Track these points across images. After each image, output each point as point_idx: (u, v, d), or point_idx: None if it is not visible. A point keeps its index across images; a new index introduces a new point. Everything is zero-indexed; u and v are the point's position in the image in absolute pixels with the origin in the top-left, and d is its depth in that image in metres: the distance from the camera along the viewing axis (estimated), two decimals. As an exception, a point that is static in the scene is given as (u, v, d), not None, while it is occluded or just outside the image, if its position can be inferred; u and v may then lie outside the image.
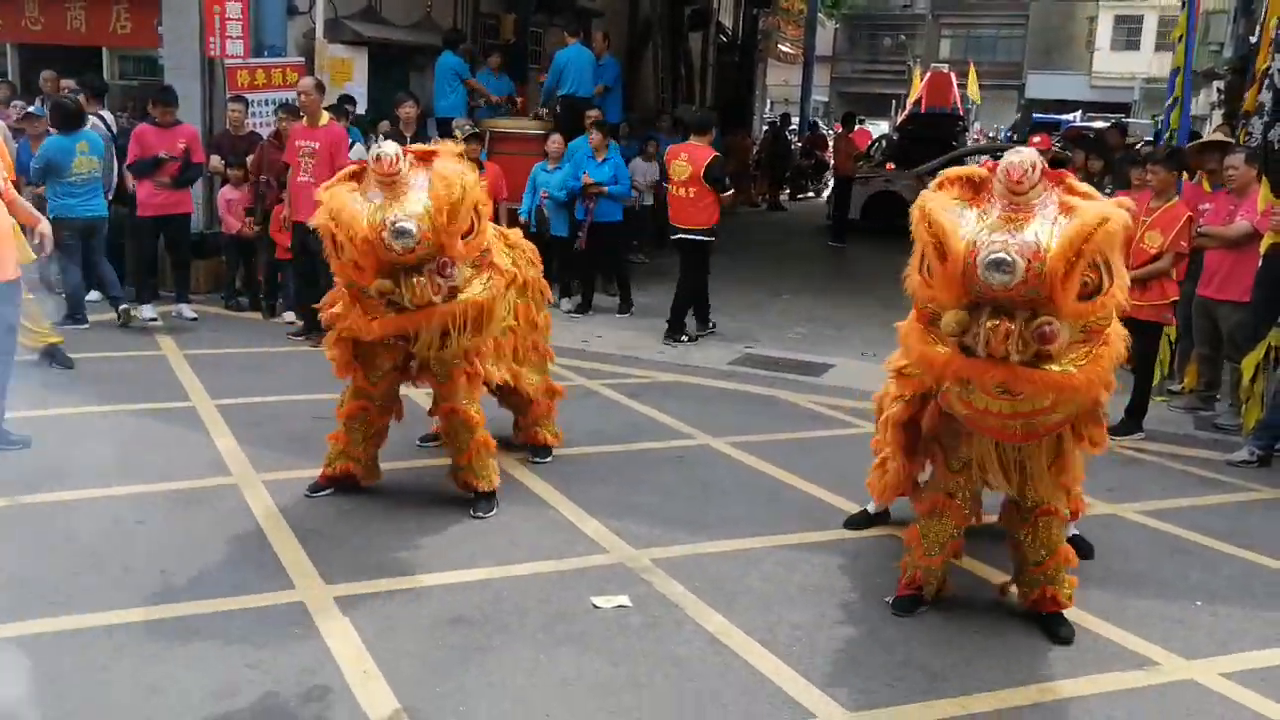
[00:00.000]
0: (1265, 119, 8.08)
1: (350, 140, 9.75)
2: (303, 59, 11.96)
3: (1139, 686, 4.48)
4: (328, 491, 6.06)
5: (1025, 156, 4.12)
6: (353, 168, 5.49)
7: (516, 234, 6.72)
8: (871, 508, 6.07)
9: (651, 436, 7.43)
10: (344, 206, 5.13)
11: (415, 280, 5.16)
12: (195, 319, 10.08)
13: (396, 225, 4.99)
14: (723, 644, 4.61)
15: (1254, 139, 8.30)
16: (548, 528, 5.78)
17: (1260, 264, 7.72)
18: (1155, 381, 8.66)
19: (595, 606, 4.87)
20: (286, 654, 4.34)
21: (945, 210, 4.19)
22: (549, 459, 6.78)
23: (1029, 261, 3.97)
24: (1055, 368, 4.14)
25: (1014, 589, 5.08)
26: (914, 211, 4.27)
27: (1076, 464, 4.85)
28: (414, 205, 5.09)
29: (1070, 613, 4.96)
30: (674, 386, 8.81)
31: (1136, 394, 7.95)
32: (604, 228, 11.49)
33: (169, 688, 4.06)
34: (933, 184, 4.41)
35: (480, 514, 5.88)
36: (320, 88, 9.61)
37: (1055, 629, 4.87)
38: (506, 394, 6.60)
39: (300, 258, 9.44)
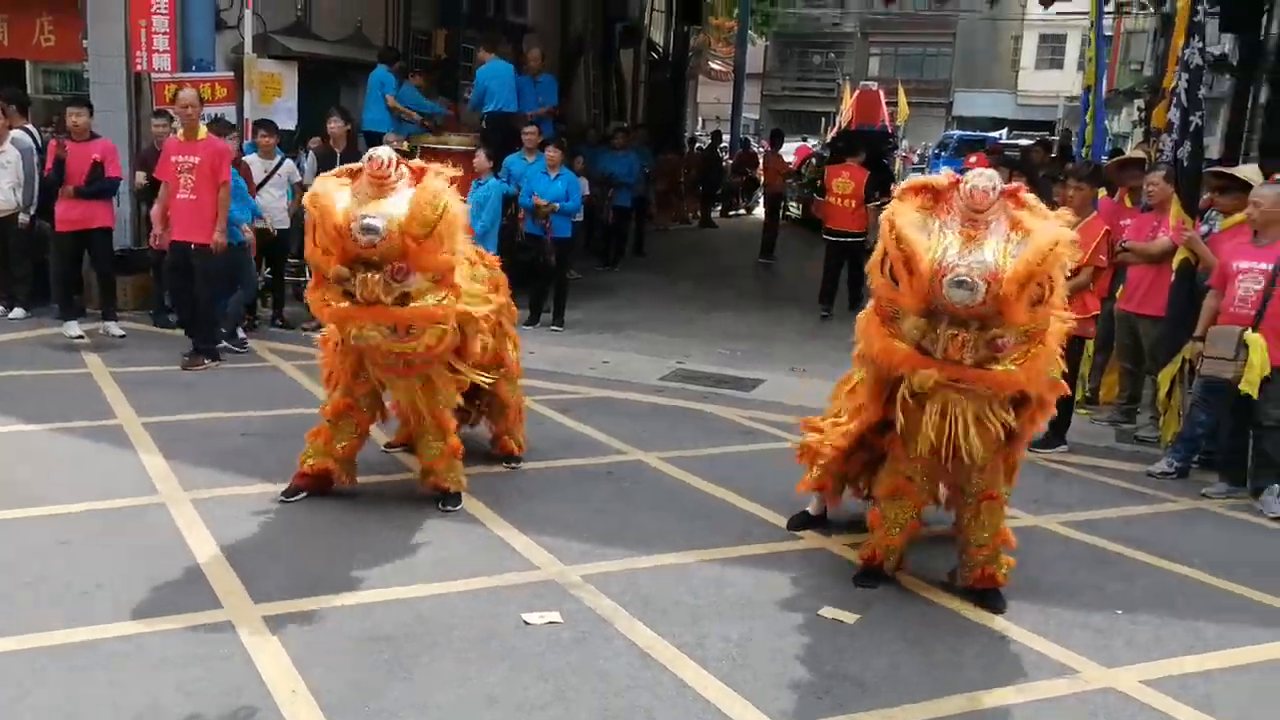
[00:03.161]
0: (1174, 137, 8.29)
1: (237, 153, 9.63)
2: (231, 74, 11.83)
3: (1061, 695, 4.56)
4: (302, 495, 6.14)
5: (988, 178, 4.63)
6: (354, 165, 5.73)
7: (494, 259, 6.91)
8: (811, 508, 6.21)
9: (583, 452, 7.44)
10: (327, 193, 5.50)
11: (370, 275, 5.43)
12: (123, 336, 9.91)
13: (365, 221, 5.34)
14: (652, 658, 4.63)
15: (1164, 156, 8.51)
16: (479, 545, 5.77)
17: (1173, 279, 7.91)
18: (1077, 397, 8.81)
19: (526, 623, 4.87)
20: (213, 674, 4.29)
21: (912, 226, 4.63)
22: (519, 465, 6.99)
23: (988, 284, 4.49)
24: (999, 367, 4.68)
25: (960, 572, 5.45)
26: (884, 223, 4.74)
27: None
28: (389, 207, 5.41)
29: (995, 623, 5.14)
30: (605, 402, 8.83)
31: (1059, 407, 8.06)
32: (555, 244, 11.55)
33: (89, 712, 3.99)
34: (898, 191, 4.94)
35: (449, 507, 6.16)
36: (202, 101, 9.35)
37: (991, 601, 5.32)
38: (481, 402, 6.91)
39: (179, 277, 9.32)
